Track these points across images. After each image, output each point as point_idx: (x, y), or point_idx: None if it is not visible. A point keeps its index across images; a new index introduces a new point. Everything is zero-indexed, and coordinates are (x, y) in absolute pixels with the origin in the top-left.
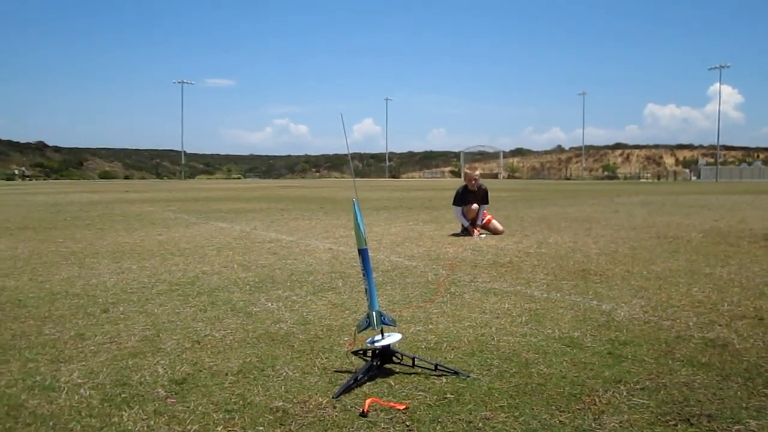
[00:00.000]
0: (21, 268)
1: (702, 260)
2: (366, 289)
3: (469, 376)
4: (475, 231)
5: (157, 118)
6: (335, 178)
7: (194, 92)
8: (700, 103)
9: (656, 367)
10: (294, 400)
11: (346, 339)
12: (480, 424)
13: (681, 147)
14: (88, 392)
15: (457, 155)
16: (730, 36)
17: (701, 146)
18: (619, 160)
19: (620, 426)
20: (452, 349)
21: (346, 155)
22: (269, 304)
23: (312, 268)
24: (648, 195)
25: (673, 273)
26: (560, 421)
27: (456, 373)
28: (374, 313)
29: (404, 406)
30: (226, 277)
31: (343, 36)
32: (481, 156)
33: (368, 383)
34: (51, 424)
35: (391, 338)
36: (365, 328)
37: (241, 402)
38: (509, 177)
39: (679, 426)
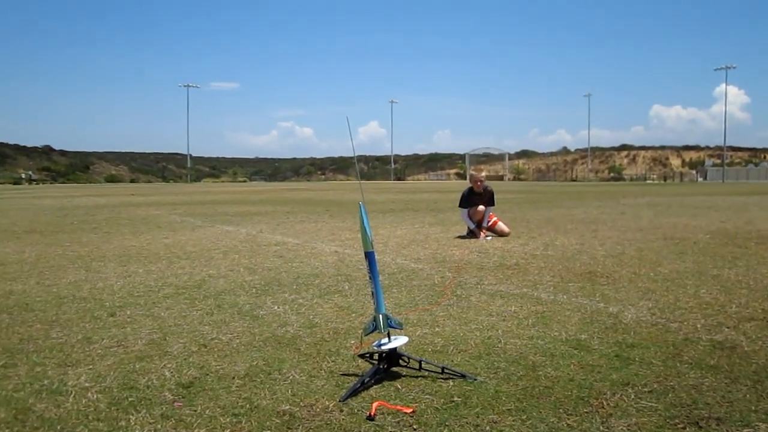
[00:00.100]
0: (28, 272)
1: (709, 262)
2: (372, 292)
3: (476, 379)
4: (481, 233)
5: (163, 122)
6: (341, 180)
7: (199, 96)
8: (706, 104)
9: (664, 370)
10: (301, 403)
11: (352, 342)
12: (487, 428)
13: (687, 148)
14: (95, 396)
15: (462, 157)
16: (736, 36)
17: (707, 147)
18: (625, 161)
19: (628, 429)
20: (459, 352)
21: (351, 158)
22: (275, 308)
23: (318, 271)
24: (654, 196)
25: (681, 275)
26: (568, 425)
27: (463, 376)
28: (381, 316)
29: (411, 410)
30: (232, 281)
31: (347, 38)
32: (487, 158)
33: (375, 386)
34: (58, 428)
35: (398, 341)
36: (372, 331)
37: (248, 406)
38: (515, 179)
39: (687, 429)
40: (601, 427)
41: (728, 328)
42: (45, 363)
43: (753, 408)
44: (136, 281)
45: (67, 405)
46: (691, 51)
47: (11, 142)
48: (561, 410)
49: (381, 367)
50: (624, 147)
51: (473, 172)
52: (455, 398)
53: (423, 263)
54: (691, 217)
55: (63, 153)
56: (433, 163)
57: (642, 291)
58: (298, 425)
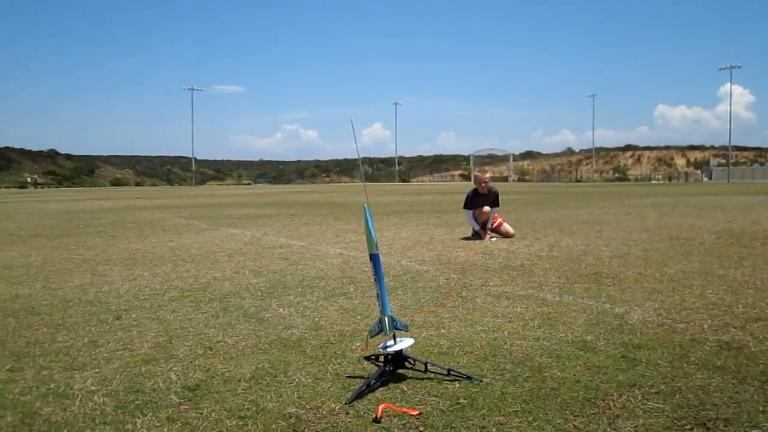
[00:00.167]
0: (34, 276)
1: (715, 262)
2: (377, 294)
3: (482, 381)
4: (486, 234)
5: (168, 125)
6: (345, 182)
7: (204, 99)
8: (711, 104)
9: (671, 371)
10: (307, 406)
11: (358, 344)
12: (494, 430)
13: (692, 148)
14: (101, 399)
15: (466, 159)
16: (740, 36)
17: (712, 147)
18: (630, 161)
19: (635, 431)
20: (465, 354)
21: (356, 160)
22: (281, 310)
23: (323, 273)
24: (659, 196)
25: (687, 275)
26: (574, 426)
27: (469, 377)
28: (386, 318)
29: (417, 412)
30: (237, 283)
31: (351, 41)
32: (491, 159)
33: (381, 389)
34: (65, 431)
35: (404, 343)
36: (377, 334)
37: (254, 408)
38: (519, 180)
39: (695, 430)
40: (608, 429)
41: (735, 328)
42: (51, 367)
43: (761, 409)
44: (142, 284)
45: (73, 408)
46: (695, 50)
47: (17, 146)
48: (567, 412)
49: (387, 369)
50: (629, 147)
51: (478, 174)
52: (461, 400)
53: (428, 265)
54: (696, 218)
55: (68, 157)
56: (437, 164)
57: (648, 292)
58: (304, 428)
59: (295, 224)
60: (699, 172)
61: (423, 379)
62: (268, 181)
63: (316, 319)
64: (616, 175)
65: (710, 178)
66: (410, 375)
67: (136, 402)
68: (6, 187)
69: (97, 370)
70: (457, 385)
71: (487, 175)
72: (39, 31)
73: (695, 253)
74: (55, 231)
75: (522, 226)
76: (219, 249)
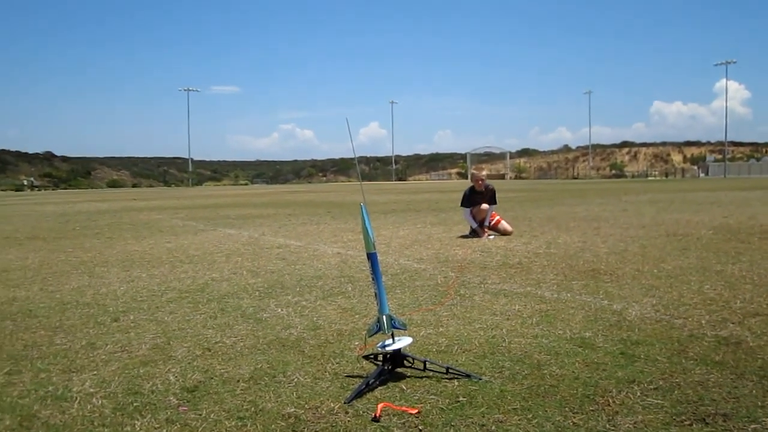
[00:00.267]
0: (31, 278)
1: (713, 257)
2: (375, 293)
3: (480, 379)
4: (484, 232)
5: (164, 126)
6: (342, 182)
7: (200, 99)
8: (707, 100)
9: (669, 367)
10: (306, 405)
11: (356, 343)
12: (493, 427)
13: (688, 144)
14: (100, 402)
15: (463, 157)
16: (736, 31)
17: (709, 143)
18: (627, 158)
19: (635, 427)
20: (463, 352)
21: (352, 159)
22: (279, 310)
23: (321, 272)
24: (656, 193)
25: (684, 271)
26: (574, 423)
27: (468, 375)
28: (384, 317)
29: (416, 410)
30: (235, 284)
31: (346, 40)
32: (488, 157)
33: (380, 388)
34: None
35: (402, 342)
36: (376, 333)
37: (252, 409)
38: (516, 177)
39: (694, 426)
40: (608, 425)
41: (733, 323)
42: (49, 369)
43: (759, 404)
44: (140, 286)
45: (72, 411)
46: (691, 46)
47: (13, 149)
48: (567, 408)
49: (386, 368)
50: (625, 144)
51: (474, 171)
52: (460, 398)
53: (426, 263)
54: (693, 213)
55: (65, 159)
56: (434, 163)
57: (646, 288)
58: (304, 428)
59: (292, 224)
60: (695, 167)
61: (422, 377)
62: (265, 181)
63: (315, 318)
64: (613, 171)
65: (707, 173)
66: (409, 374)
67: (134, 404)
68: (2, 190)
69: (95, 372)
70: (456, 383)
71: (484, 172)
72: (34, 32)
73: (692, 248)
74: (52, 233)
75: (519, 224)
76: (216, 250)
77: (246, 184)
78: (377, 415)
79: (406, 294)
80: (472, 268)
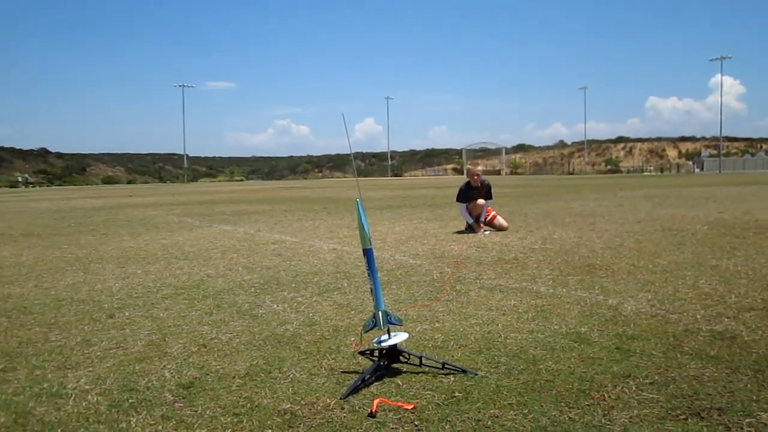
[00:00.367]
0: (26, 275)
1: (708, 252)
2: (371, 289)
3: (476, 374)
4: (480, 228)
5: (159, 122)
6: (338, 178)
7: (195, 95)
8: (702, 95)
9: (665, 361)
10: (302, 401)
11: (352, 339)
12: (489, 422)
13: (684, 139)
14: (95, 398)
15: (459, 152)
16: (731, 26)
17: (704, 138)
18: (622, 153)
19: (630, 421)
20: (459, 347)
21: (348, 155)
22: (275, 306)
23: (317, 268)
24: (652, 188)
25: (679, 266)
26: (570, 418)
27: (464, 371)
28: (380, 312)
29: (412, 406)
30: (231, 280)
31: (342, 36)
32: (484, 153)
33: (376, 383)
34: (59, 431)
35: (398, 338)
36: (372, 328)
37: (248, 405)
38: (512, 173)
39: (689, 420)
40: (603, 420)
41: (728, 318)
42: (44, 366)
43: (754, 398)
44: (135, 282)
45: (67, 408)
46: (686, 42)
47: (7, 145)
48: (562, 403)
49: (381, 363)
50: (620, 139)
51: (470, 167)
52: (456, 393)
53: (422, 259)
54: (688, 208)
55: (59, 155)
56: (430, 158)
57: (641, 283)
58: (300, 423)
59: (288, 220)
60: (691, 163)
61: (418, 373)
62: (261, 177)
63: (310, 314)
64: (608, 167)
65: (702, 169)
66: (405, 369)
67: (130, 400)
68: None
69: (90, 368)
70: (452, 379)
71: (480, 168)
72: (28, 29)
73: (688, 243)
74: (46, 230)
75: (515, 219)
76: (212, 246)
77: (241, 180)
78: (373, 410)
79: (402, 290)
80: (467, 263)
